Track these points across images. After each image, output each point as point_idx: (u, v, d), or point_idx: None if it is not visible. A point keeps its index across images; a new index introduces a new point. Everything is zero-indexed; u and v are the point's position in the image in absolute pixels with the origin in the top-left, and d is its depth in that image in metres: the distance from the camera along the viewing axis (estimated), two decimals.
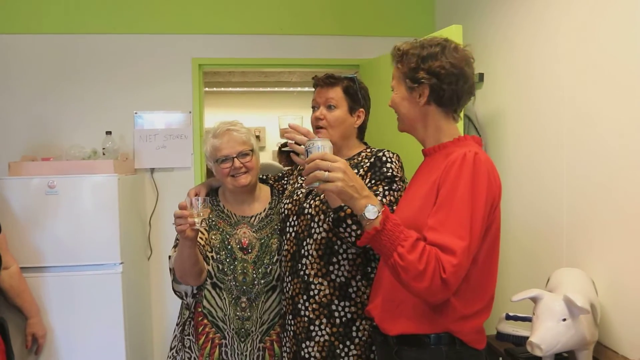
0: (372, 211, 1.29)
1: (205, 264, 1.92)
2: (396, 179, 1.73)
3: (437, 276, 1.25)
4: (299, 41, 3.31)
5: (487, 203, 1.33)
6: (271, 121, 5.85)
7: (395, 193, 1.69)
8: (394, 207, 1.63)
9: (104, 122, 3.04)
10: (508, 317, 1.86)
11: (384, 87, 2.91)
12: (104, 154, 2.81)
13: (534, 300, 1.61)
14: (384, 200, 1.66)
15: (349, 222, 1.58)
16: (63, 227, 2.52)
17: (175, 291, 1.98)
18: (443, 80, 1.41)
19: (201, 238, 1.97)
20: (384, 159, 1.78)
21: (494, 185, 1.36)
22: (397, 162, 1.79)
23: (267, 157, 6.37)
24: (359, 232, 1.57)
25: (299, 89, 6.22)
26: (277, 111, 6.05)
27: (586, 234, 1.91)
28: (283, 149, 4.88)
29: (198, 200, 1.65)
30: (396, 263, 1.27)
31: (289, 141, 1.56)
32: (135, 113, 3.11)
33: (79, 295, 2.53)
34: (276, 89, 6.25)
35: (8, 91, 3.07)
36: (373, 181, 1.72)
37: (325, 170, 1.29)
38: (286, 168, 5.03)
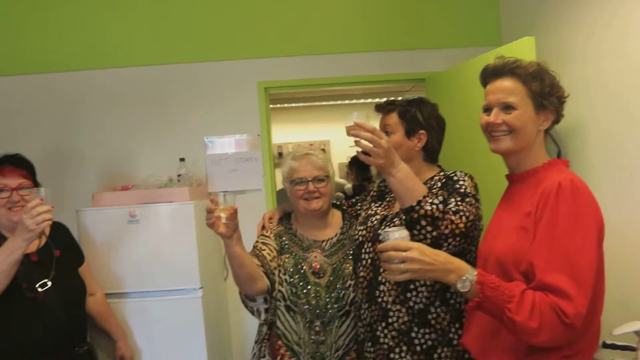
0: (464, 284, 1.25)
1: (263, 275, 1.92)
2: (469, 195, 1.67)
3: (558, 324, 1.19)
4: (362, 58, 3.31)
5: (596, 234, 1.27)
6: (335, 134, 5.88)
7: (469, 207, 1.63)
8: (469, 221, 1.58)
9: (176, 148, 3.16)
10: (605, 346, 1.76)
11: (451, 100, 2.87)
12: (179, 181, 2.91)
13: (639, 334, 1.52)
14: (458, 207, 1.60)
15: (423, 223, 1.53)
16: (144, 254, 2.62)
17: (246, 306, 2.01)
18: (563, 108, 1.44)
19: (269, 254, 2.00)
20: (455, 178, 1.74)
21: (598, 215, 1.30)
22: (470, 180, 1.74)
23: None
24: (434, 233, 1.53)
25: (362, 100, 6.21)
26: (341, 124, 6.09)
27: None
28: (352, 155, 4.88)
29: (223, 196, 1.72)
30: (508, 325, 1.23)
31: (355, 139, 1.51)
32: (206, 138, 3.20)
33: (161, 319, 2.61)
34: (339, 102, 6.27)
35: (87, 124, 3.25)
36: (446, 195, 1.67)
37: (400, 262, 1.27)
38: (347, 186, 5.05)
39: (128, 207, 2.61)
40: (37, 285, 2.05)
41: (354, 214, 2.14)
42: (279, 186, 3.49)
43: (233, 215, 1.75)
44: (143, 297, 2.62)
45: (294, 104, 6.18)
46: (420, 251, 1.28)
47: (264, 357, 2.02)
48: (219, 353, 2.83)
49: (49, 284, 2.08)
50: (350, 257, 2.01)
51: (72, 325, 2.16)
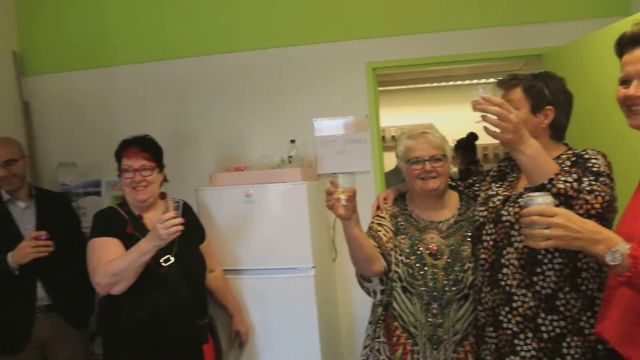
0: (614, 257, 1.17)
1: (380, 257, 1.92)
2: (603, 174, 1.56)
3: None
4: (471, 35, 3.17)
5: None
6: (439, 117, 5.72)
7: (603, 186, 1.51)
8: (605, 202, 1.48)
9: (286, 130, 3.21)
10: None
11: (573, 76, 2.68)
12: (290, 162, 2.96)
13: None
14: (592, 187, 1.50)
15: (556, 202, 1.41)
16: (259, 233, 2.69)
17: (362, 286, 2.01)
18: None
19: (385, 234, 1.99)
20: (587, 156, 1.63)
21: None
22: (602, 158, 1.62)
23: None
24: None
25: (467, 82, 6.00)
26: (445, 106, 5.94)
27: None
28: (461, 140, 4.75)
29: (342, 178, 1.76)
30: None
31: (482, 114, 1.44)
32: (315, 120, 3.23)
33: (274, 296, 2.68)
34: (443, 83, 6.10)
35: (204, 108, 3.39)
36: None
37: (544, 227, 1.21)
38: (453, 170, 4.89)
39: (244, 186, 2.70)
40: (161, 260, 2.18)
41: (472, 195, 2.08)
42: (387, 167, 3.48)
43: (352, 197, 1.76)
44: (258, 274, 2.71)
45: (396, 87, 6.09)
46: (567, 217, 1.21)
47: (378, 337, 2.02)
48: (328, 332, 2.87)
49: (172, 259, 2.21)
50: (469, 239, 1.95)
51: (194, 299, 2.28)
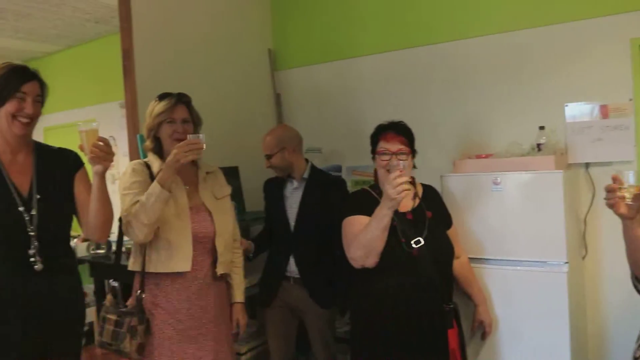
0: None
1: None
2: None
3: None
4: None
5: None
6: None
7: None
8: None
9: (534, 116, 3.02)
10: None
11: None
12: (539, 150, 2.78)
13: None
14: None
15: None
16: (506, 221, 2.59)
17: (637, 290, 1.82)
18: None
19: None
20: None
21: None
22: None
23: None
24: None
25: None
26: None
27: None
28: None
29: (629, 175, 1.60)
30: None
31: None
32: (566, 105, 2.98)
33: (521, 289, 2.55)
34: None
35: (446, 94, 3.36)
36: None
37: None
38: None
39: (491, 173, 2.61)
40: (412, 242, 2.21)
41: None
42: None
43: (639, 195, 1.60)
44: (503, 265, 2.60)
45: None
46: None
47: None
48: (577, 336, 2.64)
49: (422, 242, 2.23)
50: None
51: (441, 282, 2.28)
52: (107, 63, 5.53)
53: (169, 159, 2.09)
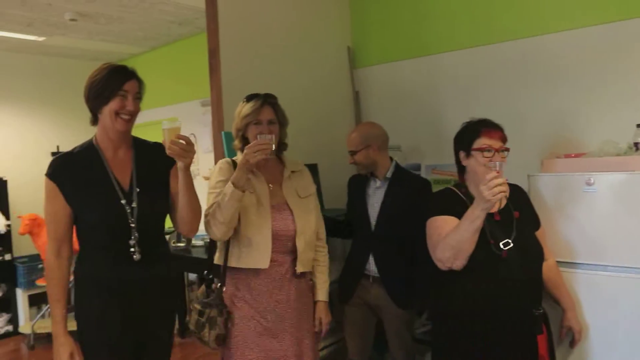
0: None
1: None
2: None
3: None
4: None
5: None
6: None
7: None
8: None
9: (630, 113, 2.86)
10: None
11: None
12: (637, 149, 2.63)
13: None
14: None
15: None
16: (599, 224, 2.46)
17: None
18: None
19: None
20: None
21: None
22: None
23: None
24: None
25: None
26: None
27: None
28: None
29: None
30: None
31: None
32: None
33: (613, 297, 2.42)
34: None
35: (533, 91, 3.26)
36: None
37: None
38: None
39: (584, 174, 2.49)
40: (501, 244, 2.15)
41: None
42: None
43: None
44: (594, 270, 2.47)
45: None
46: None
47: None
48: None
49: (511, 243, 2.16)
50: None
51: (530, 286, 2.21)
52: (189, 63, 5.77)
53: (241, 159, 2.15)
